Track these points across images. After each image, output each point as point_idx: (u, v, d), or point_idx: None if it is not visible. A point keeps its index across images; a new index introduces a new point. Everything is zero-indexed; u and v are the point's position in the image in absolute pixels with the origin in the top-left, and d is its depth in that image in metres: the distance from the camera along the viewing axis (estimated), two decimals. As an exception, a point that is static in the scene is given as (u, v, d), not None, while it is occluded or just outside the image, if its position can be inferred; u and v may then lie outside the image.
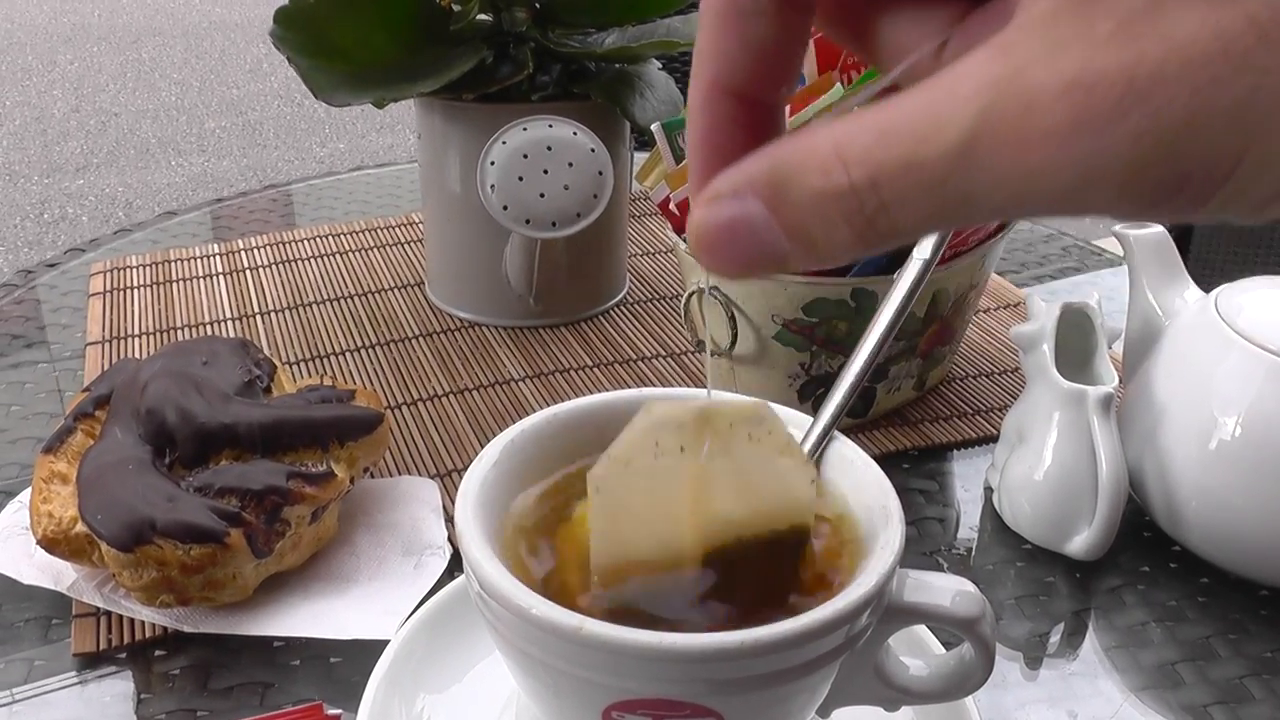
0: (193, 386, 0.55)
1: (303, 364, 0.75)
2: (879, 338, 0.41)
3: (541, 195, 0.67)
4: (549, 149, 0.67)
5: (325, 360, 0.76)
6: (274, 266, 0.89)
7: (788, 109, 0.60)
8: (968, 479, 0.65)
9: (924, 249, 0.42)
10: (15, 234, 3.11)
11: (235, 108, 4.17)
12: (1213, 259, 1.54)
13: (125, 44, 5.01)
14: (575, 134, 0.68)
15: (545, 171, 0.67)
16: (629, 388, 0.71)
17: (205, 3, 5.78)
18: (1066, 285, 0.91)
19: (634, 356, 0.76)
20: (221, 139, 3.84)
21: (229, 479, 0.52)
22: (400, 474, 0.63)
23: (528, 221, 0.67)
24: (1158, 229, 0.64)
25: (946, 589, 0.39)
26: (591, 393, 0.70)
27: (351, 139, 3.83)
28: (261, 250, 0.91)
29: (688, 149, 0.27)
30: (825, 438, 0.41)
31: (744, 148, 0.24)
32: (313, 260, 0.90)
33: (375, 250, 0.91)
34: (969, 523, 0.62)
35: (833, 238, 0.22)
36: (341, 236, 0.94)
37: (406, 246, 0.92)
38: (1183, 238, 1.50)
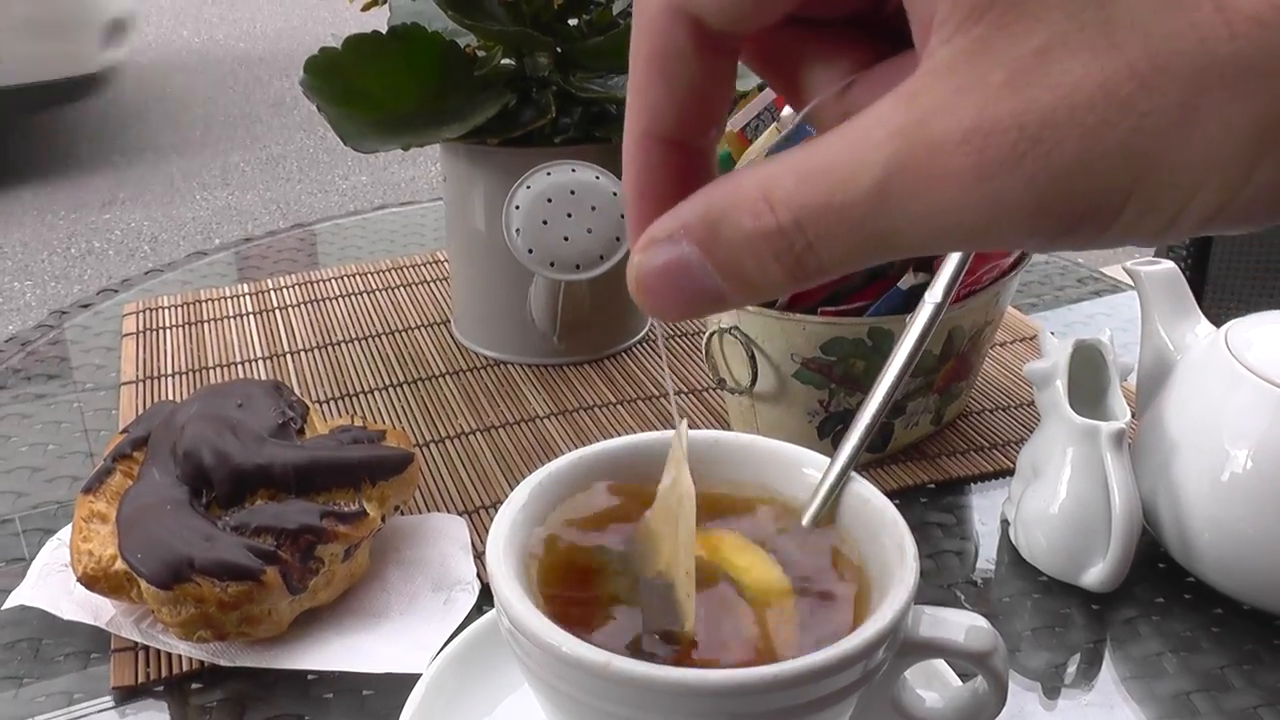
0: (228, 429, 0.57)
1: (332, 403, 0.77)
2: (891, 382, 0.42)
3: (565, 239, 0.68)
4: (572, 193, 0.69)
5: (354, 399, 0.77)
6: (302, 306, 0.91)
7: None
8: (985, 512, 0.67)
9: (935, 293, 0.43)
10: (43, 268, 3.15)
11: (259, 141, 4.21)
12: (1231, 284, 1.55)
13: (152, 81, 5.07)
14: (598, 178, 0.69)
15: (569, 215, 0.69)
16: (653, 425, 0.73)
17: (229, 38, 5.84)
18: (1081, 318, 0.92)
19: (657, 393, 0.77)
20: (246, 173, 3.88)
21: (264, 518, 0.54)
22: (429, 511, 0.65)
23: (552, 264, 0.69)
24: (1168, 264, 0.65)
25: (960, 624, 0.40)
26: (616, 430, 0.72)
27: (374, 172, 3.87)
28: (290, 290, 0.93)
29: (623, 198, 0.28)
30: (842, 478, 0.42)
31: (677, 193, 0.25)
32: (340, 299, 0.92)
33: (401, 289, 0.93)
34: (986, 555, 0.63)
35: (766, 275, 0.24)
36: (368, 275, 0.96)
37: (432, 285, 0.94)
38: (1199, 265, 1.51)
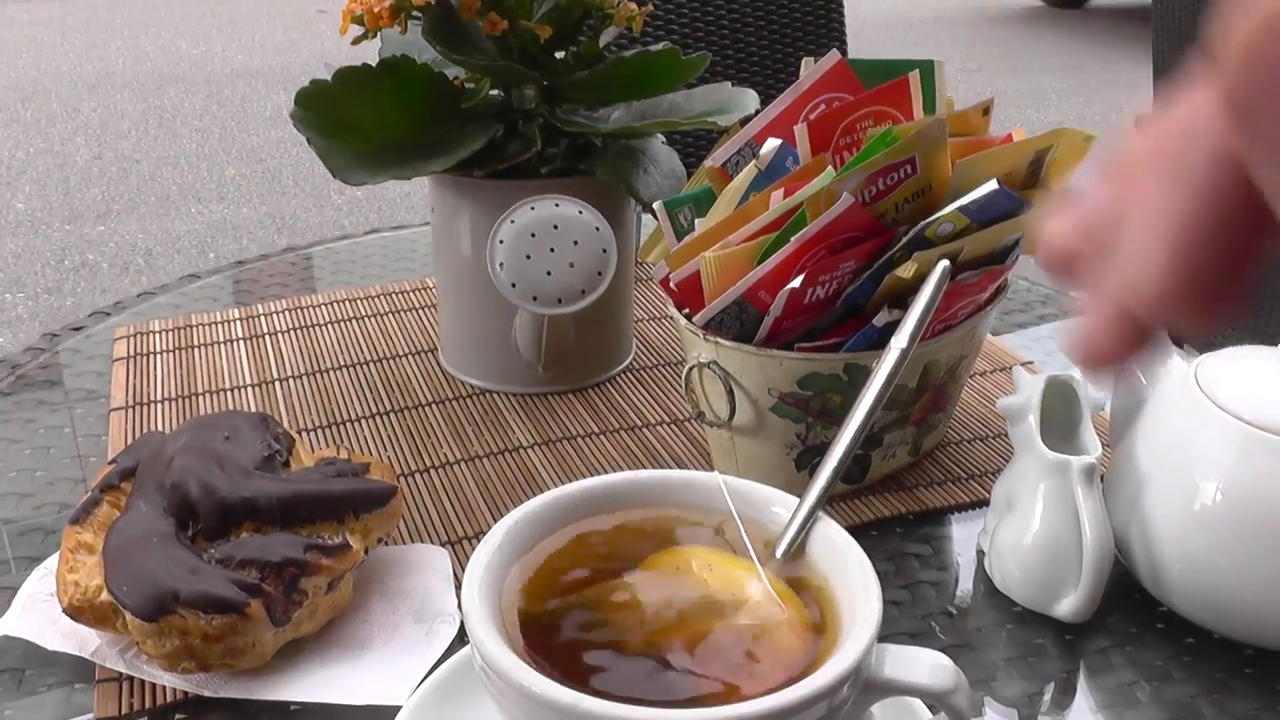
0: (215, 461, 0.58)
1: (320, 431, 0.78)
2: (857, 427, 0.43)
3: (548, 273, 0.69)
4: (555, 227, 0.70)
5: (341, 427, 0.78)
6: (293, 332, 0.92)
7: (781, 190, 0.63)
8: (961, 543, 0.68)
9: (901, 338, 0.45)
10: (36, 280, 3.15)
11: (255, 155, 4.22)
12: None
13: (148, 91, 5.08)
14: (580, 212, 0.71)
15: (552, 250, 0.70)
16: (634, 455, 0.74)
17: (227, 50, 5.85)
18: (1053, 335, 0.93)
19: (639, 423, 0.78)
20: (241, 186, 3.89)
21: (249, 551, 0.55)
22: (413, 541, 0.66)
23: (535, 298, 0.70)
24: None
25: (923, 662, 0.41)
26: (598, 461, 0.73)
27: (369, 188, 3.87)
28: (281, 315, 0.94)
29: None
30: (812, 515, 0.43)
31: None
32: (330, 326, 0.93)
33: (390, 315, 0.94)
34: (962, 586, 0.64)
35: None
36: (358, 301, 0.97)
37: (420, 312, 0.95)
38: None
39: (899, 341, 0.44)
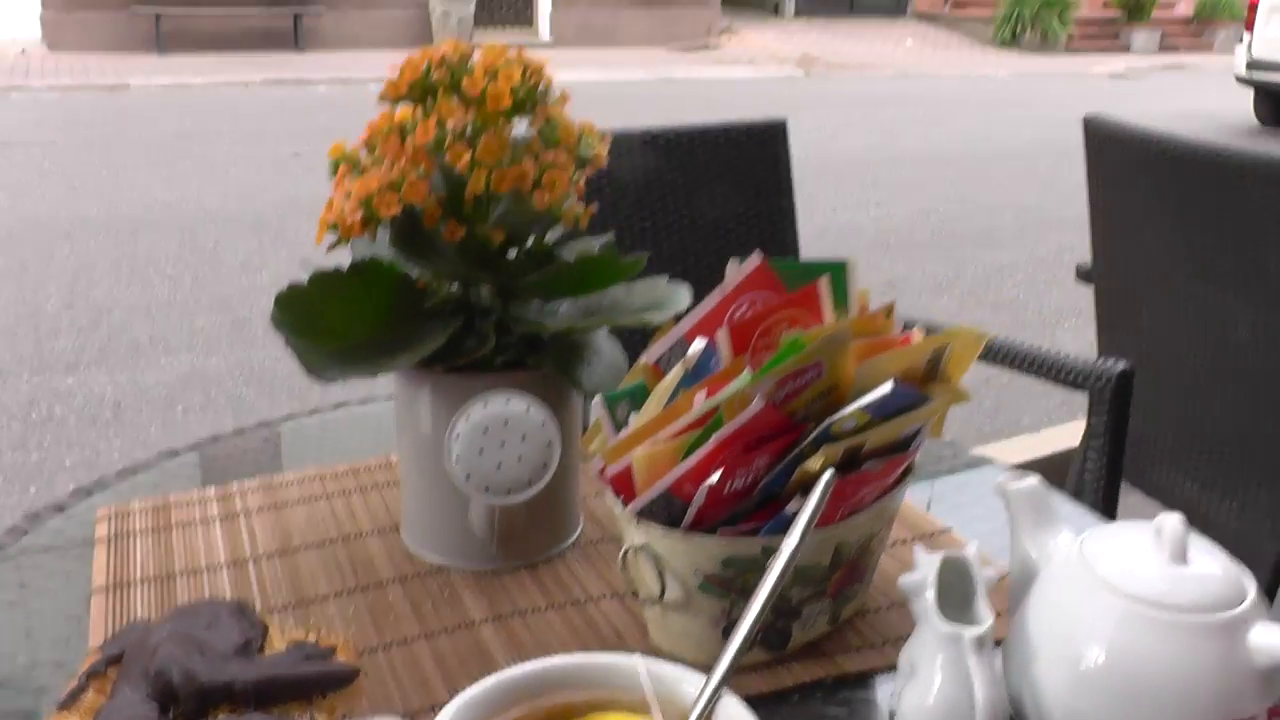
0: (196, 648, 0.64)
1: (289, 609, 0.84)
2: (750, 623, 0.50)
3: (499, 466, 0.77)
4: (506, 424, 0.78)
5: (309, 606, 0.84)
6: (264, 511, 0.98)
7: (705, 390, 0.71)
8: (876, 706, 0.74)
9: (791, 540, 0.52)
10: (2, 436, 3.16)
11: (225, 303, 4.29)
12: (1151, 435, 1.63)
13: (123, 237, 5.16)
14: (529, 409, 0.78)
15: (502, 443, 0.77)
16: (576, 630, 0.80)
17: (201, 193, 5.96)
18: (950, 489, 1.01)
19: (584, 598, 0.85)
20: (211, 335, 3.96)
21: (226, 733, 0.61)
22: (373, 715, 0.71)
23: (487, 489, 0.77)
24: (1033, 481, 0.74)
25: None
26: (543, 636, 0.80)
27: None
28: (253, 494, 1.01)
29: None
30: (715, 698, 0.50)
31: None
32: (299, 505, 0.99)
33: (356, 494, 1.01)
34: (876, 746, 0.71)
35: None
36: (326, 479, 1.04)
37: (384, 490, 1.02)
38: (1119, 421, 1.55)
39: (789, 544, 0.51)
